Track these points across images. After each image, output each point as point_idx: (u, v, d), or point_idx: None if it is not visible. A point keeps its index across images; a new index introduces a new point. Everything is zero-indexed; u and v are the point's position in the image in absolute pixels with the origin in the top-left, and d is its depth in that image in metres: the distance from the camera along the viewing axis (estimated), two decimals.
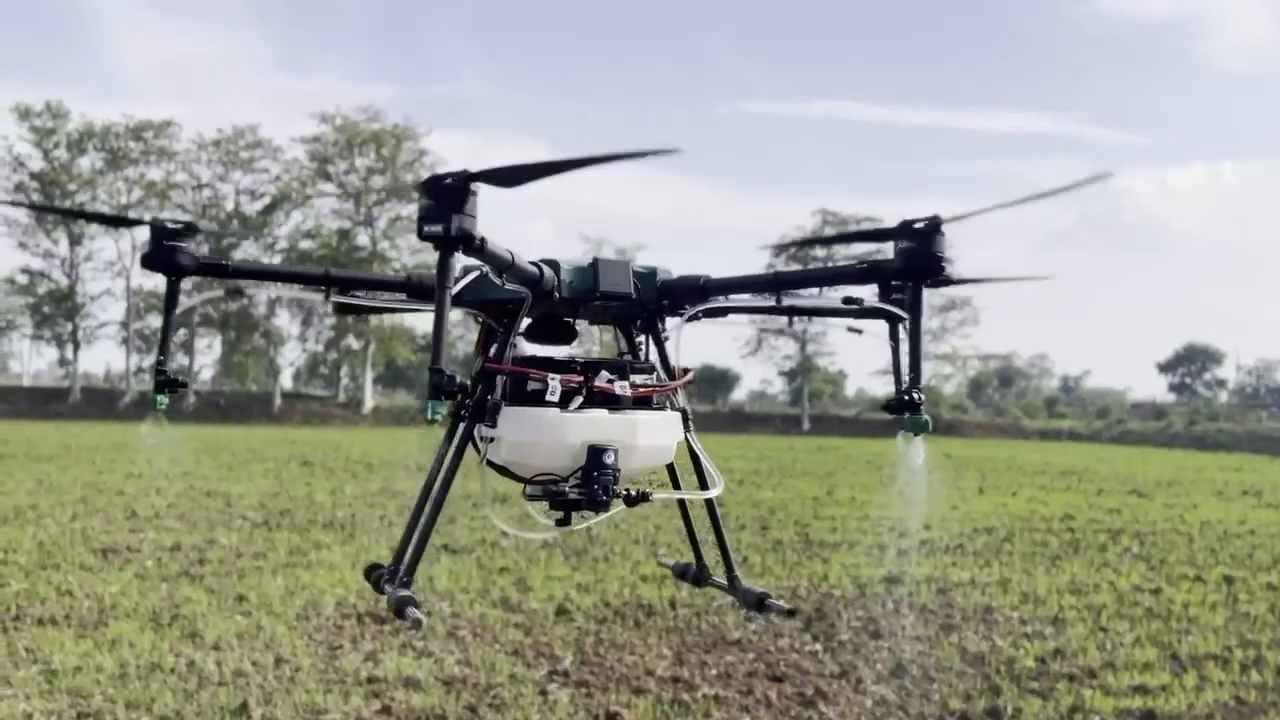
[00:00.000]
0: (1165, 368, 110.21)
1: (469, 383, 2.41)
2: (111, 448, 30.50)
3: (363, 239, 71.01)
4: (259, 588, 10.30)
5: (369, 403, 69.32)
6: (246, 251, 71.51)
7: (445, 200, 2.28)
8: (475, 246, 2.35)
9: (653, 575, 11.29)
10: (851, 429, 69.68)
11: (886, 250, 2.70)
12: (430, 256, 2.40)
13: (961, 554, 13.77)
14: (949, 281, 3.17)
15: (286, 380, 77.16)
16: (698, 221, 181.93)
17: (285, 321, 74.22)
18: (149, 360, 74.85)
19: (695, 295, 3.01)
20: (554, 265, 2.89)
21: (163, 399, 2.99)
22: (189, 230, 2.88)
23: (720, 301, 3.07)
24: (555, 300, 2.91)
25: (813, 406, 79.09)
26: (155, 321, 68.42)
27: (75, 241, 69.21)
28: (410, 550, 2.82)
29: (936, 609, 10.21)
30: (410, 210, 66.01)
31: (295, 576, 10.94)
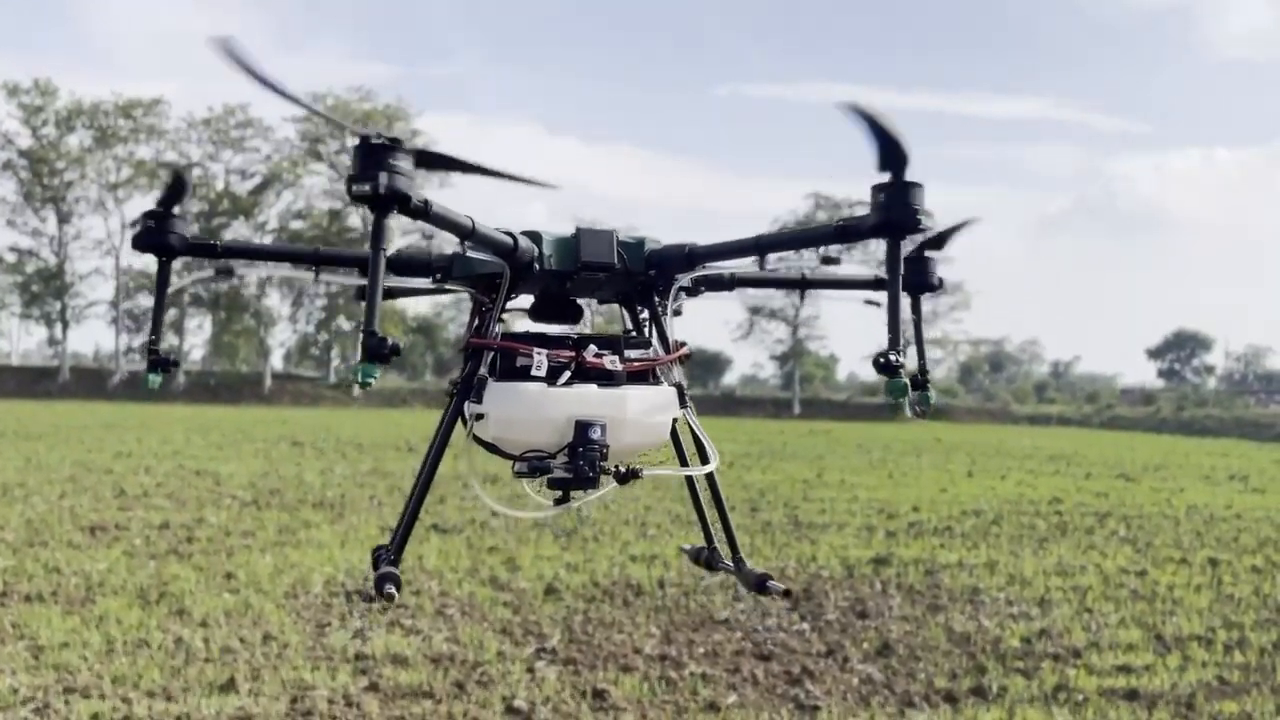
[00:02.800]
0: (1155, 354, 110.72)
1: (399, 344, 2.36)
2: (101, 427, 30.39)
3: (354, 220, 70.65)
4: (247, 566, 10.29)
5: None
6: (237, 232, 71.26)
7: (373, 159, 2.19)
8: (413, 208, 2.26)
9: (641, 555, 11.32)
10: (842, 413, 69.83)
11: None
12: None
13: (950, 536, 13.83)
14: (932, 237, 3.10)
15: (277, 361, 76.85)
16: (695, 204, 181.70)
17: (276, 302, 73.98)
18: (139, 340, 74.56)
19: (682, 264, 2.95)
20: (535, 237, 2.84)
21: (155, 378, 3.01)
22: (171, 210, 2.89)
23: (707, 269, 3.01)
24: (538, 273, 2.86)
25: (804, 390, 79.15)
26: (145, 301, 68.00)
27: (64, 220, 68.80)
28: (400, 528, 2.81)
29: (924, 590, 10.26)
30: None
31: (284, 555, 10.93)
